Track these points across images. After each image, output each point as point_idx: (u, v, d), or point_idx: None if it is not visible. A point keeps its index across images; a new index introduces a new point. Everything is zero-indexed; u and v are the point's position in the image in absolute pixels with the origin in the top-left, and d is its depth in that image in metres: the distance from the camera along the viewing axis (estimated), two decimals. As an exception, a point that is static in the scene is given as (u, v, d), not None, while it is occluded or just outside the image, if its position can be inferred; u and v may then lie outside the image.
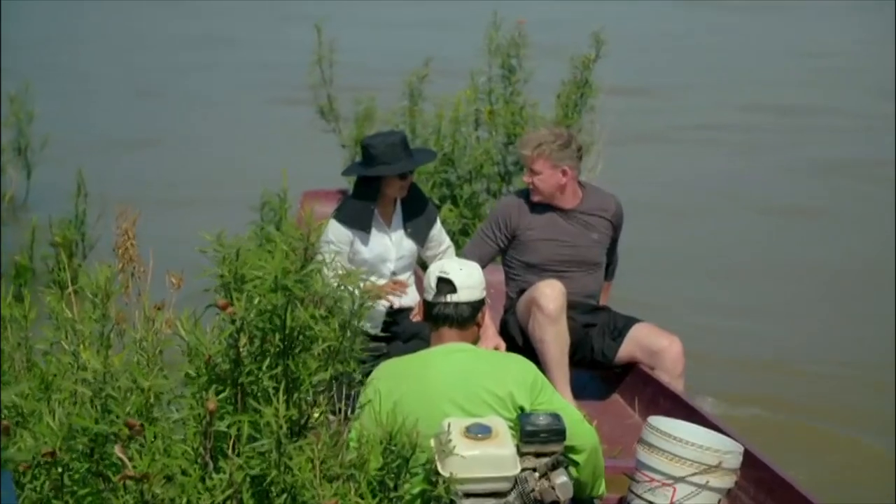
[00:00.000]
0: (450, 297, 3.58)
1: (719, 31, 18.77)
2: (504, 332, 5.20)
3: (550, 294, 4.94)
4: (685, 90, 14.26)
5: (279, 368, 2.71)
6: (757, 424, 5.52)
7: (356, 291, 2.83)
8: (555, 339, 4.93)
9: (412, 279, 5.28)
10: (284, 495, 2.63)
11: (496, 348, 4.93)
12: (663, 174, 10.39)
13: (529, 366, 3.60)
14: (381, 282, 4.99)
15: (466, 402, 3.41)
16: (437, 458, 3.15)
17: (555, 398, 3.55)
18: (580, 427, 3.56)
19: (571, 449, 3.51)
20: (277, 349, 2.73)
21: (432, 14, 15.96)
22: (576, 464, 3.56)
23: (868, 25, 18.51)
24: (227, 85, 14.51)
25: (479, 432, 3.19)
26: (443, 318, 3.59)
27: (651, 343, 5.12)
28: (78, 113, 11.83)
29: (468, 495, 3.15)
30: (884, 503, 4.49)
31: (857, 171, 10.79)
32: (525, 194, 5.31)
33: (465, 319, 3.59)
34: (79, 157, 7.88)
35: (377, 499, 2.77)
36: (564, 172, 5.19)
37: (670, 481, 3.80)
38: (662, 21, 19.15)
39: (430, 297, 3.62)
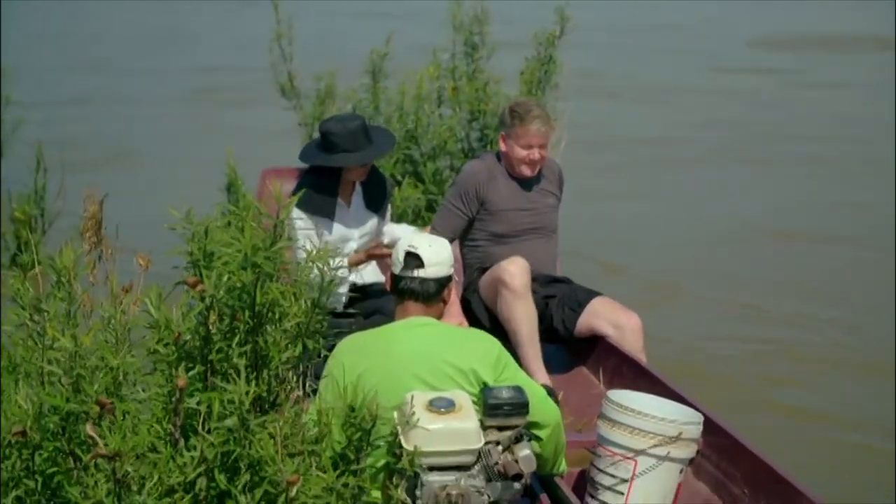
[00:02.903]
0: (417, 272, 3.59)
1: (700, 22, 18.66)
2: (467, 311, 5.21)
3: (515, 271, 4.96)
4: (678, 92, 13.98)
5: (249, 346, 2.72)
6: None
7: (325, 268, 2.85)
8: (524, 315, 4.96)
9: None
10: (250, 471, 2.65)
11: (458, 324, 4.97)
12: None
13: (493, 342, 3.62)
14: (344, 261, 5.01)
15: (430, 376, 3.43)
16: (400, 431, 3.16)
17: (518, 375, 3.58)
18: (544, 404, 3.59)
19: (535, 425, 3.55)
20: (247, 326, 2.73)
21: (394, 5, 15.85)
22: (539, 439, 3.59)
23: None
24: (183, 84, 14.38)
25: (442, 406, 3.20)
26: (408, 292, 3.60)
27: (610, 318, 5.17)
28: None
29: (432, 468, 3.16)
30: (884, 503, 4.52)
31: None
32: (488, 162, 5.31)
33: (431, 295, 3.60)
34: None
35: (339, 471, 2.77)
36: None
37: (631, 454, 3.85)
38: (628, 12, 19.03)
39: (397, 270, 3.63)
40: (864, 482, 4.84)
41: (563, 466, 3.82)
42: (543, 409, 3.58)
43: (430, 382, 3.41)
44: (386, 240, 5.28)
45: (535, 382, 3.66)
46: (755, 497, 3.91)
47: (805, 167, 10.33)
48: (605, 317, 5.16)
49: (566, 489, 3.85)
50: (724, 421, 4.18)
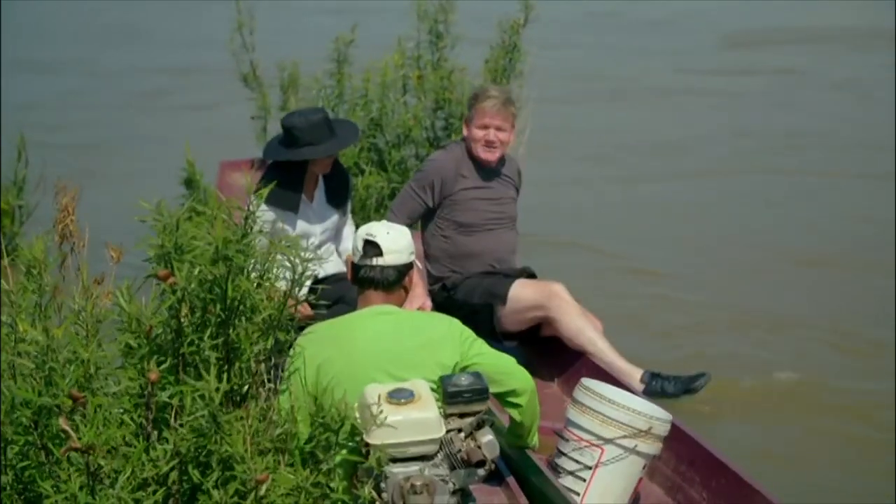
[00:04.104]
0: (376, 260, 3.59)
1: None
2: (453, 308, 5.13)
3: (564, 291, 5.19)
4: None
5: (220, 339, 2.72)
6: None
7: (296, 260, 2.86)
8: (589, 324, 5.18)
9: (332, 248, 5.34)
10: (221, 467, 2.65)
11: (421, 308, 4.99)
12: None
13: (454, 322, 3.63)
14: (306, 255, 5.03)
15: (392, 365, 3.43)
16: (361, 425, 3.13)
17: (485, 348, 3.60)
18: (518, 371, 3.63)
19: (513, 392, 3.60)
20: (218, 319, 2.74)
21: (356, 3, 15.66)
22: (518, 406, 3.63)
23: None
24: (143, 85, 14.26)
25: (401, 397, 3.19)
26: (368, 280, 3.61)
27: None
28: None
29: (395, 460, 3.15)
30: (884, 503, 4.55)
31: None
32: (455, 154, 5.35)
33: (391, 283, 3.61)
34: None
35: (307, 469, 2.77)
36: (513, 128, 5.35)
37: (599, 442, 3.89)
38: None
39: (356, 259, 3.64)
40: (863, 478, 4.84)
41: (535, 439, 3.85)
42: (519, 376, 3.62)
43: (391, 371, 3.42)
44: (348, 245, 5.28)
45: (504, 354, 3.67)
46: (715, 502, 3.95)
47: (814, 178, 9.70)
48: None
49: (540, 464, 3.88)
50: (684, 424, 4.23)
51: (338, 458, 3.12)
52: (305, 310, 4.73)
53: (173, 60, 15.36)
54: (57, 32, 18.23)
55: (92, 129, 11.81)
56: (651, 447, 3.90)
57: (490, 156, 5.28)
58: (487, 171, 5.35)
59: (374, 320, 3.55)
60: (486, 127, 5.23)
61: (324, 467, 2.78)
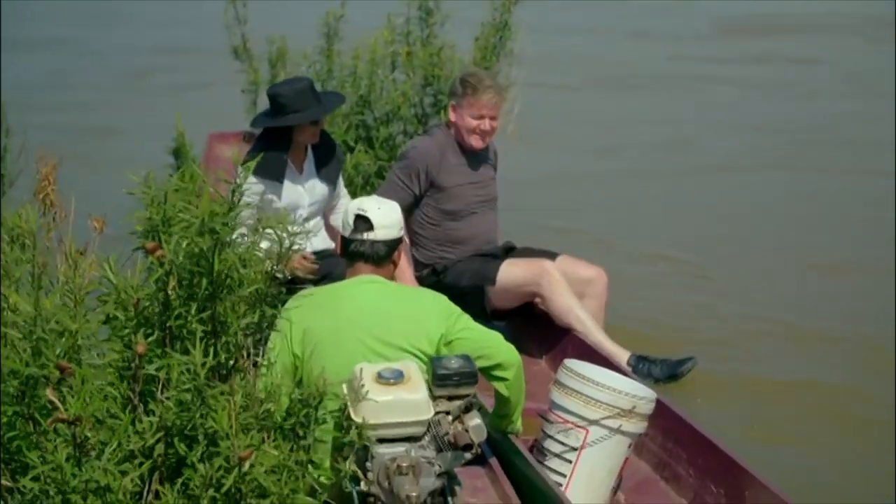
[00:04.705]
0: (366, 235, 3.62)
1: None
2: (477, 305, 5.17)
3: (556, 272, 5.19)
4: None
5: (207, 312, 2.71)
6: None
7: (284, 235, 2.84)
8: (579, 304, 5.20)
9: (321, 223, 5.32)
10: (206, 441, 2.64)
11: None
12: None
13: (442, 297, 3.67)
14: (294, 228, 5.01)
15: (378, 330, 3.45)
16: (349, 404, 3.14)
17: (471, 323, 3.62)
18: (505, 345, 3.65)
19: (499, 366, 3.61)
20: (206, 292, 2.73)
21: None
22: (505, 379, 3.64)
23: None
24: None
25: (391, 377, 3.18)
26: (359, 254, 3.63)
27: (578, 273, 5.32)
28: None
29: (382, 440, 3.15)
30: (884, 503, 4.55)
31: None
32: (438, 140, 5.34)
33: (381, 258, 3.63)
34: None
35: (290, 445, 2.77)
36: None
37: (584, 423, 3.89)
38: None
39: (346, 233, 3.66)
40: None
41: (519, 423, 3.86)
42: (505, 350, 3.64)
43: (377, 335, 3.44)
44: (338, 216, 5.26)
45: (489, 329, 3.69)
46: (701, 478, 3.96)
47: (815, 174, 9.39)
48: (572, 273, 5.29)
49: (523, 448, 3.88)
50: (671, 402, 4.24)
51: (322, 434, 3.11)
52: (305, 263, 4.73)
53: (162, 40, 15.28)
54: (45, 11, 18.11)
55: (79, 108, 11.74)
56: (636, 426, 3.90)
57: (481, 144, 5.31)
58: (471, 156, 5.36)
59: (360, 288, 3.57)
60: (481, 117, 5.24)
61: (304, 443, 2.76)
